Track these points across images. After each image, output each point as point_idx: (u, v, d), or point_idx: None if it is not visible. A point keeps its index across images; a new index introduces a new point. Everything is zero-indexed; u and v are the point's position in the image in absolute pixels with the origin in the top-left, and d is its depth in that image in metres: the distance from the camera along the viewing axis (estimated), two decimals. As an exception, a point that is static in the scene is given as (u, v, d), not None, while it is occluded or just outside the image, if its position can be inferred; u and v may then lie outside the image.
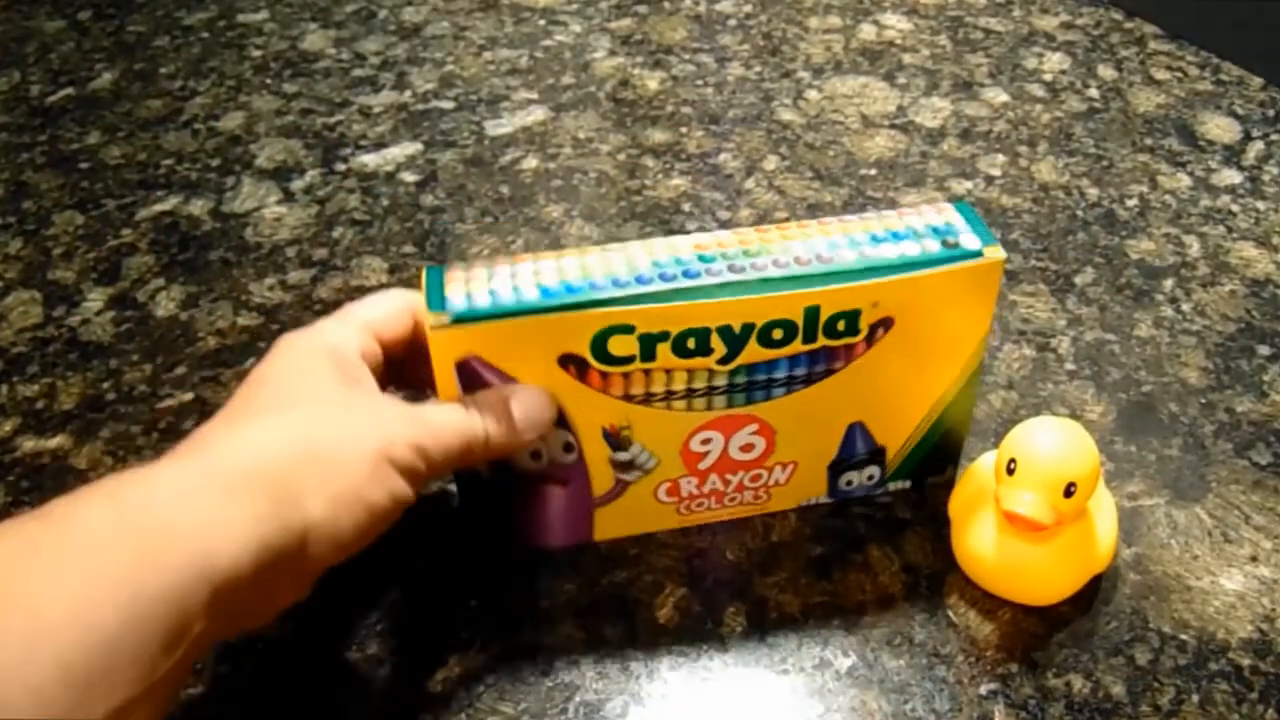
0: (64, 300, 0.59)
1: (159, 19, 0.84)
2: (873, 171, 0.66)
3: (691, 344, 0.38)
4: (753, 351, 0.39)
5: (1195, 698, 0.40)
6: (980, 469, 0.44)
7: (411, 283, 0.59)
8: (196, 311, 0.58)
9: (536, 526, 0.44)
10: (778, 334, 0.39)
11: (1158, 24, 0.80)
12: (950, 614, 0.42)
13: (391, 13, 0.84)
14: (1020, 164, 0.67)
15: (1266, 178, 0.65)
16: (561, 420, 0.40)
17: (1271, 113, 0.70)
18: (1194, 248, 0.60)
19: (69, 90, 0.76)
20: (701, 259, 0.38)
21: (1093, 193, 0.64)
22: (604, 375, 0.38)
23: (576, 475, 0.42)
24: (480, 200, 0.65)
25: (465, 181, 0.66)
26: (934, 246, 0.39)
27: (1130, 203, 0.63)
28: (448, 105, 0.73)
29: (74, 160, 0.69)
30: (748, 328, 0.38)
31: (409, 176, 0.67)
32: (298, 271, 0.60)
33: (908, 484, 0.47)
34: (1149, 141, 0.68)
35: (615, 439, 0.41)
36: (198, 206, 0.65)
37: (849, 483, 0.45)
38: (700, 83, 0.75)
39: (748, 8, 0.83)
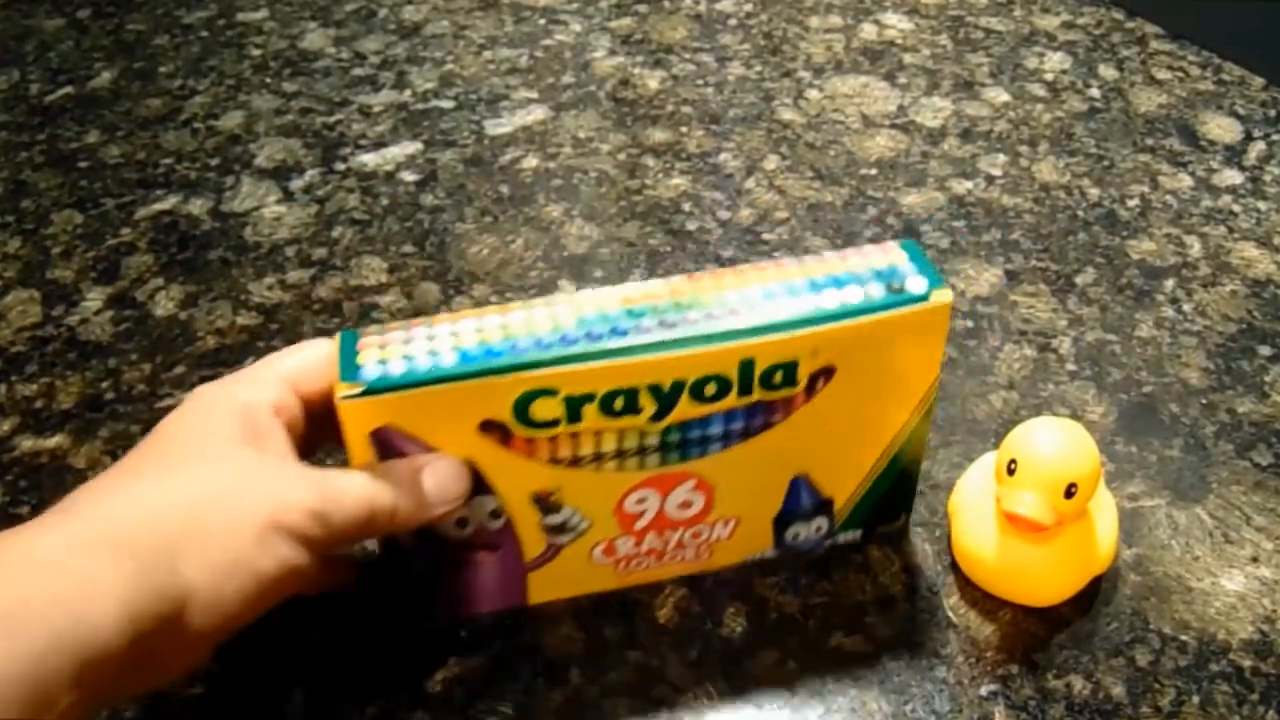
0: (63, 299, 0.59)
1: (158, 18, 0.84)
2: (873, 171, 0.66)
3: (619, 404, 0.36)
4: (685, 408, 0.37)
5: (1196, 699, 0.40)
6: (980, 469, 0.44)
7: (411, 282, 0.59)
8: (196, 311, 0.57)
9: (466, 594, 0.42)
10: (710, 389, 0.36)
11: (1159, 24, 0.80)
12: (950, 614, 0.42)
13: (391, 12, 0.84)
14: (1021, 164, 0.66)
15: (1268, 178, 0.65)
16: (487, 487, 0.38)
17: (1273, 113, 0.70)
18: (1195, 248, 0.60)
19: (68, 89, 0.76)
20: (630, 314, 0.36)
21: (1094, 193, 0.64)
22: (529, 441, 0.36)
23: (506, 541, 0.40)
24: (480, 200, 0.65)
25: (465, 181, 0.66)
26: (878, 292, 0.37)
27: (1131, 203, 0.63)
28: (448, 105, 0.73)
29: (73, 159, 0.69)
30: (678, 384, 0.36)
31: (409, 176, 0.67)
32: (297, 271, 0.60)
33: (858, 534, 0.44)
34: (1150, 141, 0.68)
35: (545, 504, 0.39)
36: (197, 206, 0.65)
37: (796, 536, 0.43)
38: (700, 82, 0.75)
39: (748, 7, 0.83)
